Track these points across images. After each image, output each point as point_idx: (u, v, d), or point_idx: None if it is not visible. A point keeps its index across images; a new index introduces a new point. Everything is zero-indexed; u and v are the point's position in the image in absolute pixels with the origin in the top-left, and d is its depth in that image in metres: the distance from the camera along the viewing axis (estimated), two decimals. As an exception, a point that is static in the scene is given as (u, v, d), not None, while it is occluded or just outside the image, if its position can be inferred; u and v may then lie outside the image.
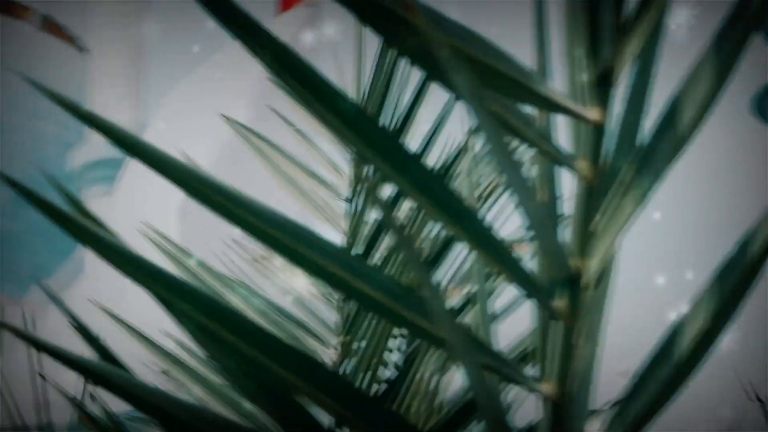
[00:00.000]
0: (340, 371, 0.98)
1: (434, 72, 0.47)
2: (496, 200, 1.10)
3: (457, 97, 0.46)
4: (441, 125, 1.04)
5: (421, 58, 0.47)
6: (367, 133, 0.47)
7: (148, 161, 0.42)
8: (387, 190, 1.09)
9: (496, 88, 0.49)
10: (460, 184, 1.23)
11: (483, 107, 0.44)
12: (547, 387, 0.49)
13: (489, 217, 1.11)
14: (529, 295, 0.49)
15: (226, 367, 0.50)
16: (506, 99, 0.50)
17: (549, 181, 0.52)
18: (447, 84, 0.47)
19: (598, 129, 0.48)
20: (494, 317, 0.55)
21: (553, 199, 0.52)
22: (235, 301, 1.01)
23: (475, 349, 0.49)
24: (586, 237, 0.48)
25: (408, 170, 0.48)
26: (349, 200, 1.12)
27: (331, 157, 1.19)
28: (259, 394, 0.54)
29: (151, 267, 0.43)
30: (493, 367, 0.50)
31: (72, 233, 0.44)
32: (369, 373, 0.88)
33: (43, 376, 1.03)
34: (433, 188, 0.48)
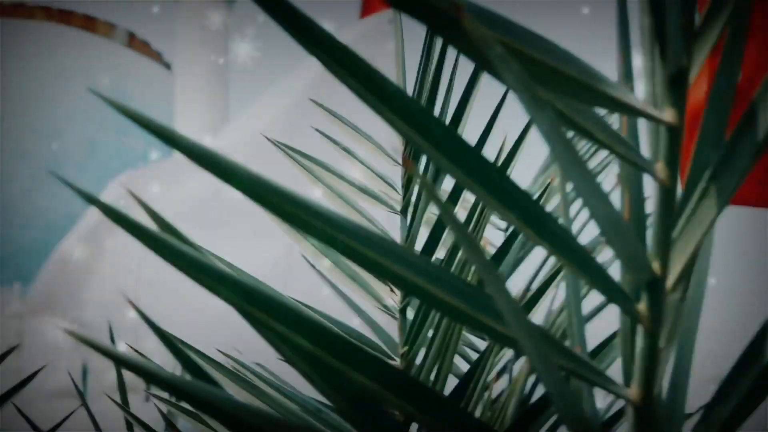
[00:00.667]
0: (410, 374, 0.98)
1: (486, 67, 0.47)
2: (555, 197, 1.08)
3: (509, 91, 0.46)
4: (496, 116, 1.02)
5: (471, 53, 0.46)
6: (423, 125, 0.46)
7: (234, 183, 0.43)
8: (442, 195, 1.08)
9: (562, 90, 0.49)
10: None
11: (539, 108, 0.44)
12: (632, 391, 0.49)
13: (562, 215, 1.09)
14: (610, 300, 0.49)
15: (307, 376, 0.50)
16: (574, 101, 0.49)
17: (630, 185, 0.52)
18: (499, 78, 0.47)
19: (674, 131, 0.48)
20: (585, 318, 0.55)
21: (634, 202, 0.52)
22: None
23: (550, 351, 0.49)
24: (666, 241, 0.47)
25: (469, 164, 0.47)
26: (403, 212, 1.10)
27: (378, 170, 1.17)
28: (339, 401, 0.54)
29: (243, 286, 0.43)
30: (572, 370, 0.50)
31: (158, 252, 0.45)
32: (438, 375, 0.87)
33: (127, 410, 1.04)
34: (497, 183, 0.47)
